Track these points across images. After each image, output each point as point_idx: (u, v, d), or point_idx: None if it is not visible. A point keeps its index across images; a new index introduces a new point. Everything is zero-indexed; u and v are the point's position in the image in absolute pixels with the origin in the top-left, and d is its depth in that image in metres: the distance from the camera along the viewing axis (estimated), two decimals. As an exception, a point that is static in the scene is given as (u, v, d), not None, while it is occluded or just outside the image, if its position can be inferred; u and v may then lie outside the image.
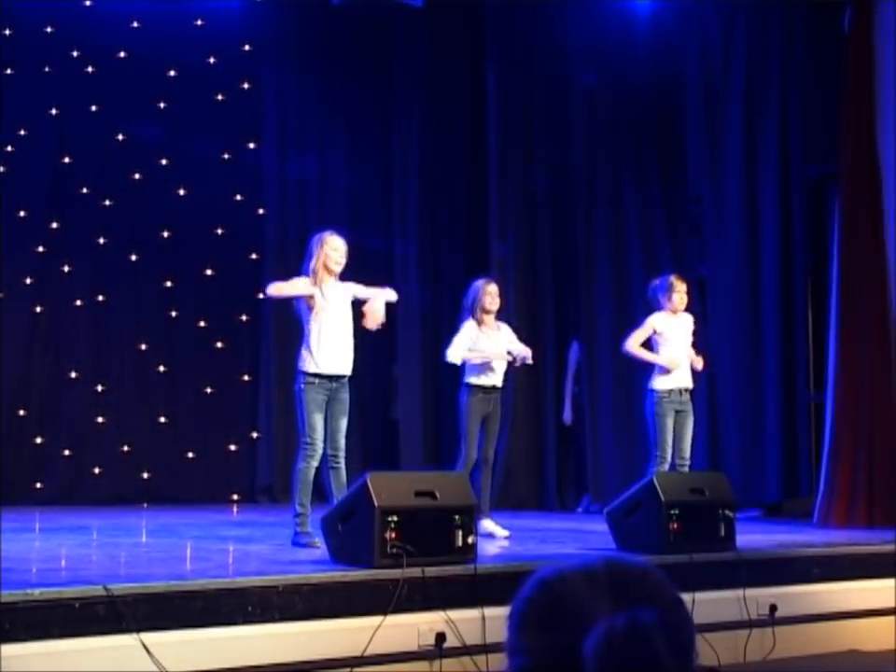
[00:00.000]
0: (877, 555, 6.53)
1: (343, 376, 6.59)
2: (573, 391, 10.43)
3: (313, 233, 11.42)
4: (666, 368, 7.49)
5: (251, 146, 10.96)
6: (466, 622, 4.93)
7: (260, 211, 10.95)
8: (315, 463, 6.45)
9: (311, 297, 6.52)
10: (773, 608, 5.84)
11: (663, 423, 7.46)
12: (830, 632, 6.01)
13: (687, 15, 10.10)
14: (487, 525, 7.23)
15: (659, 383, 7.54)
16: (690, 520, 6.03)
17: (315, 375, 6.48)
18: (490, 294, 7.53)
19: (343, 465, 6.54)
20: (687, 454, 7.52)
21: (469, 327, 7.51)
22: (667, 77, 10.32)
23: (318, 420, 6.44)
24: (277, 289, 6.69)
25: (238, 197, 10.88)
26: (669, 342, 7.59)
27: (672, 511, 5.99)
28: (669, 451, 7.45)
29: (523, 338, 7.86)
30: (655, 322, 7.58)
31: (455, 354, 7.45)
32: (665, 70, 10.30)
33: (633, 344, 7.59)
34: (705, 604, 5.25)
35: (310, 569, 5.11)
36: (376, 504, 5.11)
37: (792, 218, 9.39)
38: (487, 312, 7.53)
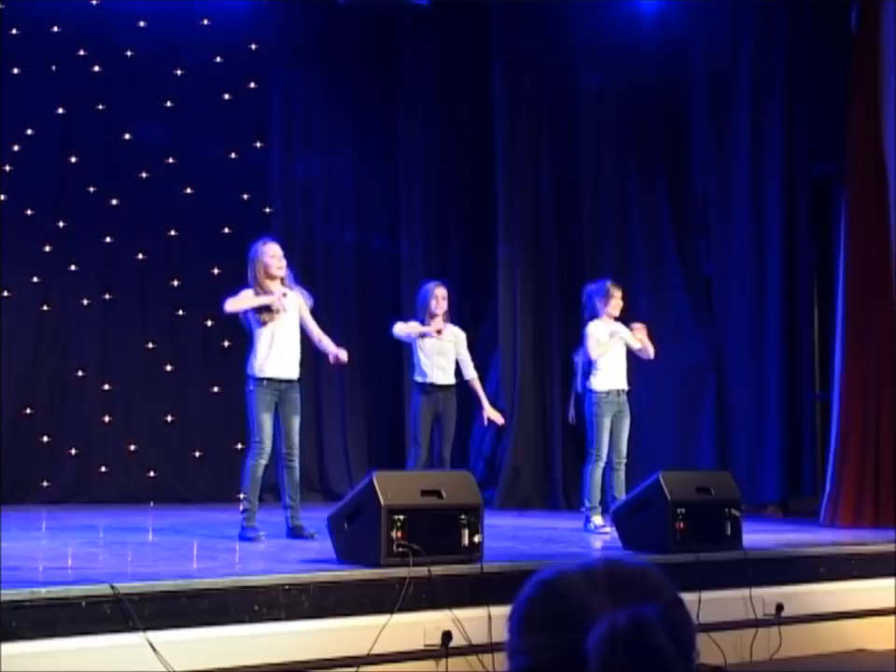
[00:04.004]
0: (884, 555, 6.52)
1: (292, 380, 6.79)
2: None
3: (318, 232, 11.37)
4: (601, 368, 7.72)
5: (257, 145, 10.95)
6: (472, 621, 4.93)
7: (267, 210, 10.94)
8: (263, 461, 6.74)
9: (267, 309, 6.75)
10: (779, 607, 5.84)
11: (600, 423, 7.71)
12: (836, 631, 6.01)
13: (693, 14, 10.09)
14: None
15: (597, 384, 7.75)
16: (696, 519, 6.03)
17: (264, 379, 6.77)
18: (437, 297, 7.85)
19: (297, 464, 6.84)
20: (624, 452, 7.78)
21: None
22: (673, 75, 10.30)
23: (266, 421, 6.74)
24: (235, 305, 6.78)
25: (244, 196, 10.87)
26: (605, 348, 7.78)
27: (678, 510, 6.00)
28: (605, 450, 7.71)
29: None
30: (594, 331, 7.79)
31: (399, 329, 7.96)
32: (670, 69, 10.28)
33: (601, 352, 7.75)
34: (711, 603, 5.26)
35: (316, 568, 5.11)
36: (382, 503, 5.11)
37: (798, 217, 9.38)
38: (434, 316, 7.85)
